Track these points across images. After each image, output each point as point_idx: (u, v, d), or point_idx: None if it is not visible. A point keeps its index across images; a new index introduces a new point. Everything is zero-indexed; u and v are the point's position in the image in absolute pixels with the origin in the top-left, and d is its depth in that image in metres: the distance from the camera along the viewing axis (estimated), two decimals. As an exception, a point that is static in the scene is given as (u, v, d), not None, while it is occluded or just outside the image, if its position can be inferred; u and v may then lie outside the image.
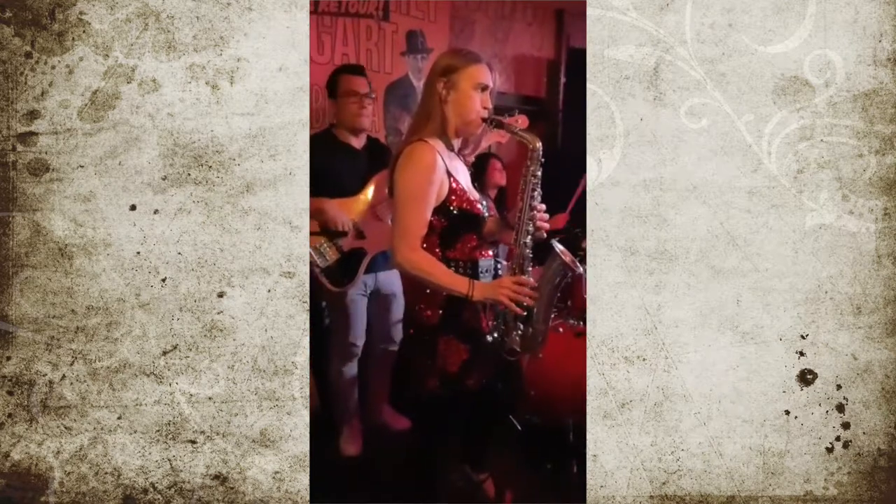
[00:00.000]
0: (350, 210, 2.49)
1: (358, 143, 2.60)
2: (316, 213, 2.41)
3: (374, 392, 2.81)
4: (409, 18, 3.61)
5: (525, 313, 1.80)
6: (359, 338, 2.63)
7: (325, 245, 2.50)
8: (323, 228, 2.47)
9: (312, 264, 2.48)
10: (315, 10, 3.24)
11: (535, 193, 1.83)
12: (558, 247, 1.85)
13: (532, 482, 2.40)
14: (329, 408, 2.72)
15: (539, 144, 1.81)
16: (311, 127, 3.13)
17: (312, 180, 2.47)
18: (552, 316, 1.85)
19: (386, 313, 2.68)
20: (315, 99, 3.03)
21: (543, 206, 1.86)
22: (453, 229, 1.85)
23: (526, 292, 1.78)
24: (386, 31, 3.54)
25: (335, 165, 2.49)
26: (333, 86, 2.58)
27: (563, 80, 4.08)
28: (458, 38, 3.80)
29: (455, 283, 1.79)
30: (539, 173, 1.83)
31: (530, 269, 1.84)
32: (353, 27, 3.41)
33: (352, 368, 2.65)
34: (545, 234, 1.88)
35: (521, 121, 2.57)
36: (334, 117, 2.60)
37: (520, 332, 1.82)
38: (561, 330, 2.62)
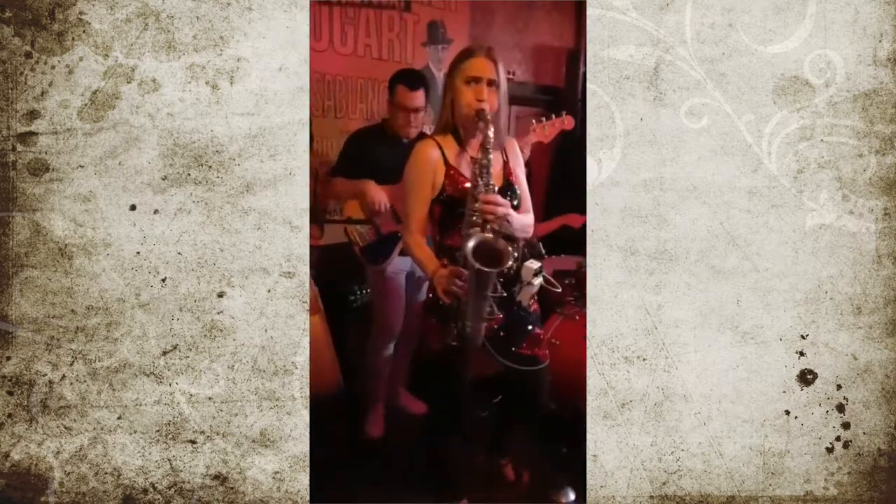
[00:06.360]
0: (391, 195, 2.55)
1: (409, 137, 2.65)
2: (357, 194, 2.55)
3: (394, 374, 2.86)
4: (430, 9, 3.67)
5: (449, 303, 1.82)
6: (397, 317, 2.70)
7: (364, 227, 2.64)
8: (362, 207, 2.59)
9: (353, 244, 2.66)
10: (340, 1, 3.32)
11: (480, 182, 1.81)
12: (472, 244, 1.73)
13: (549, 466, 2.45)
14: (357, 388, 2.80)
15: (491, 133, 1.80)
16: (315, 120, 3.15)
17: (362, 169, 2.55)
18: (485, 316, 1.83)
19: (416, 295, 2.73)
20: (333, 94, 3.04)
21: (497, 198, 1.80)
22: (447, 215, 1.93)
23: (457, 284, 1.77)
24: (408, 22, 3.58)
25: (384, 157, 2.56)
26: (391, 90, 2.61)
27: (582, 69, 4.05)
28: (477, 27, 3.82)
29: (427, 265, 1.89)
30: (486, 162, 1.80)
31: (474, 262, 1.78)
32: (376, 18, 3.47)
33: (388, 349, 2.73)
34: (510, 227, 1.84)
35: (567, 121, 2.69)
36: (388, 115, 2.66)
37: (457, 325, 1.86)
38: (577, 318, 2.75)
